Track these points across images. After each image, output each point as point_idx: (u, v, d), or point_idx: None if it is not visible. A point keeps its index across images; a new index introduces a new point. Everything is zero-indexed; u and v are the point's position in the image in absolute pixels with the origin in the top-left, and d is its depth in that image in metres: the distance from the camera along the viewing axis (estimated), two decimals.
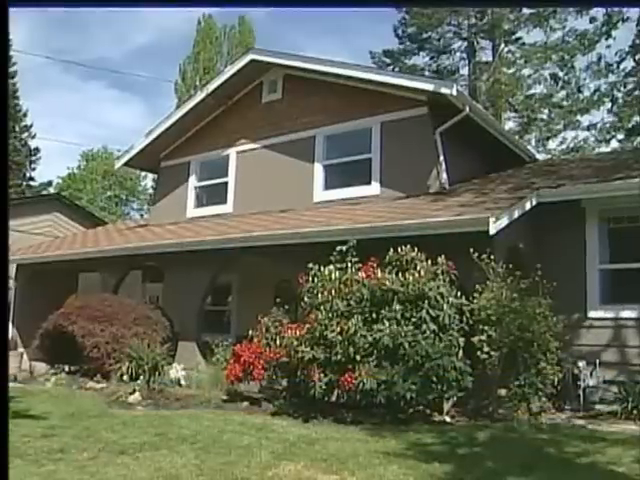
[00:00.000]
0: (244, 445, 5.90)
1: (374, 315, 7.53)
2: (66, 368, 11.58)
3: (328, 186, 12.34)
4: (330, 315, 7.62)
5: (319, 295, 7.91)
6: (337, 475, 4.92)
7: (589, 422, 7.34)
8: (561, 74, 23.83)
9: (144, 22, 61.30)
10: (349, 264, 8.04)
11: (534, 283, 7.63)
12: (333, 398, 7.68)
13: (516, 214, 8.41)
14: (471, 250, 7.56)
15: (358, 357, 7.27)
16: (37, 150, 32.86)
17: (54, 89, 63.82)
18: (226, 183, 13.97)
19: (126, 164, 15.83)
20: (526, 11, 25.41)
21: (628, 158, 11.80)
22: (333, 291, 7.81)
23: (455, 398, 7.45)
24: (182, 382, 10.13)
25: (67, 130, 61.99)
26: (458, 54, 28.76)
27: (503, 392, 7.54)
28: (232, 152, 13.98)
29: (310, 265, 8.20)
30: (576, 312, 8.84)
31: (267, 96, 13.64)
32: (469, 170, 11.70)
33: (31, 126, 32.14)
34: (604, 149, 24.63)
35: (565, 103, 26.14)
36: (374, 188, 11.57)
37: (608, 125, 24.93)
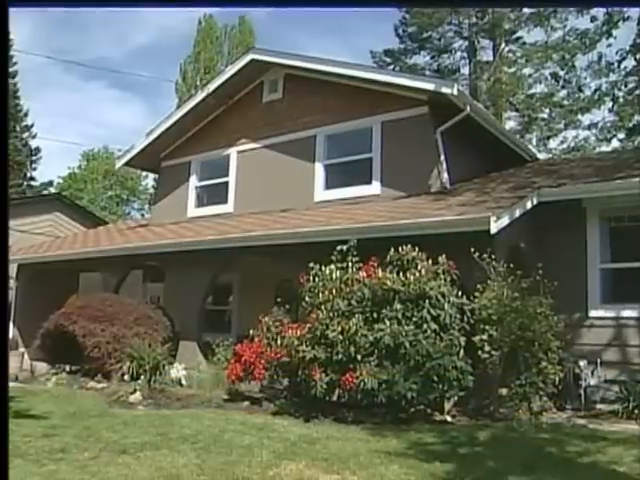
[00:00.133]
0: (245, 445, 5.90)
1: (375, 314, 7.53)
2: (67, 368, 11.58)
3: (329, 186, 12.34)
4: (331, 315, 7.63)
5: (320, 295, 7.91)
6: (338, 475, 4.92)
7: (590, 421, 7.33)
8: (562, 73, 23.76)
9: (144, 22, 61.30)
10: (350, 264, 8.05)
11: (535, 282, 7.62)
12: (334, 398, 7.68)
13: (517, 213, 8.41)
14: (472, 249, 7.55)
15: (359, 356, 7.27)
16: (38, 150, 32.90)
17: (55, 89, 63.77)
18: (227, 183, 13.97)
19: (127, 164, 15.82)
20: (527, 10, 25.40)
21: (629, 157, 11.79)
22: (334, 291, 7.81)
23: (456, 397, 7.45)
24: (183, 382, 10.12)
25: (68, 130, 61.95)
26: (459, 53, 28.82)
27: (504, 391, 7.53)
28: (233, 152, 13.98)
29: (311, 265, 8.20)
30: (577, 311, 8.83)
31: (268, 96, 13.64)
32: (470, 169, 11.69)
33: (32, 126, 32.17)
34: (605, 148, 24.64)
35: (566, 102, 26.13)
36: (375, 188, 11.57)
37: (609, 124, 24.90)
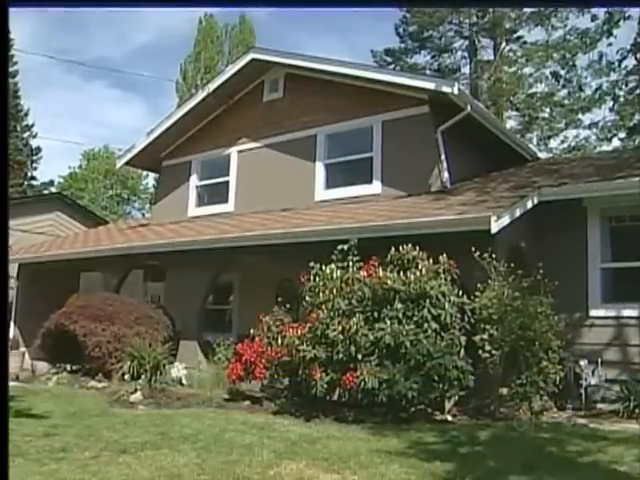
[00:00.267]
0: (246, 444, 5.90)
1: (375, 314, 7.53)
2: (68, 367, 11.58)
3: (329, 185, 12.34)
4: (331, 314, 7.63)
5: (320, 294, 7.92)
6: (339, 474, 4.92)
7: (591, 421, 7.33)
8: (562, 72, 23.71)
9: (145, 22, 61.36)
10: (350, 263, 8.05)
11: (536, 282, 7.62)
12: (335, 397, 7.69)
13: (518, 213, 8.40)
14: (472, 249, 7.55)
15: (360, 356, 7.27)
16: (39, 149, 32.95)
17: (56, 89, 63.85)
18: (227, 182, 13.97)
19: (127, 163, 15.83)
20: (527, 10, 25.38)
21: (630, 157, 11.79)
22: (334, 290, 7.82)
23: (457, 397, 7.46)
24: (184, 381, 10.13)
25: (68, 129, 62.00)
26: (459, 53, 28.81)
27: (505, 391, 7.53)
28: (233, 151, 13.98)
29: (311, 264, 8.20)
30: (578, 311, 8.83)
31: (268, 95, 13.63)
32: (470, 169, 11.69)
33: (32, 125, 32.21)
34: (606, 148, 24.60)
35: (566, 102, 26.09)
36: (375, 187, 11.56)
37: (610, 124, 24.86)
